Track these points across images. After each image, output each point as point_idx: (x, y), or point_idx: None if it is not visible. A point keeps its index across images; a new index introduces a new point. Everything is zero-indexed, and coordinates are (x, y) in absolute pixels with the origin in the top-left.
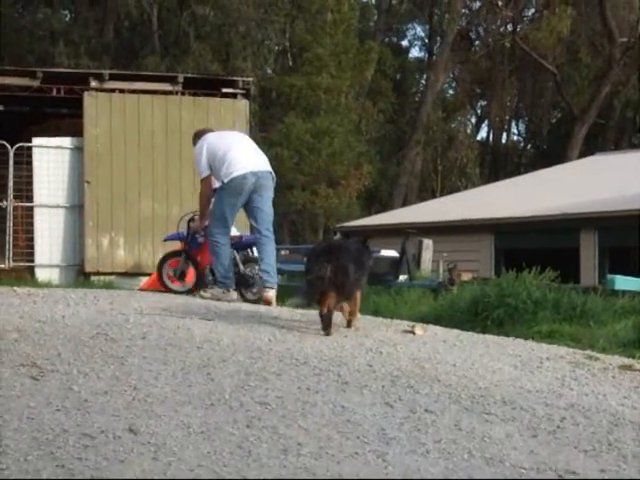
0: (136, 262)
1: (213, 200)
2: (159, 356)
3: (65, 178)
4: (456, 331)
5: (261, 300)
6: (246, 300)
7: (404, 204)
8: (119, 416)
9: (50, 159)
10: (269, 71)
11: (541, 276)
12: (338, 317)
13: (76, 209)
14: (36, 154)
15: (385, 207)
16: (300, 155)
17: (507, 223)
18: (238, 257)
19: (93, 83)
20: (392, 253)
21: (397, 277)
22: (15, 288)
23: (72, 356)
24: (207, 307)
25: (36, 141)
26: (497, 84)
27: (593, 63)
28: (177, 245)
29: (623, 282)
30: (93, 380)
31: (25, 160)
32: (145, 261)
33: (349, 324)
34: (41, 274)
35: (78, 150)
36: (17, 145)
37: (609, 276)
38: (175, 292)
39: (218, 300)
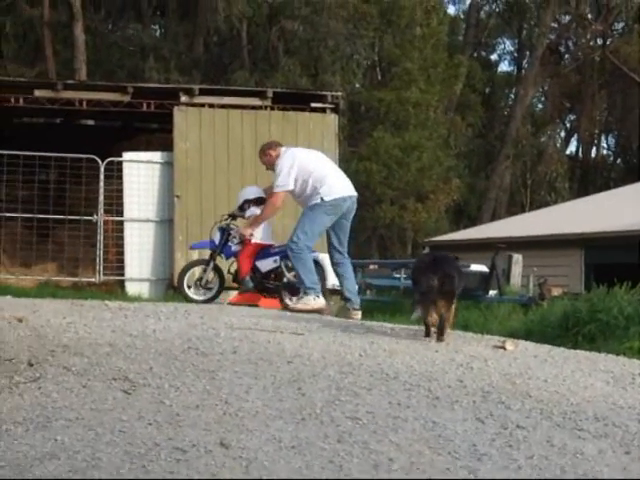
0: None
1: (303, 214)
2: (250, 370)
3: (155, 192)
4: (547, 346)
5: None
6: (287, 307)
7: (493, 218)
8: (210, 430)
9: (140, 173)
10: (358, 85)
11: (632, 291)
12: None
13: (166, 223)
14: (126, 168)
15: (474, 222)
16: (389, 169)
17: (597, 238)
18: (284, 266)
19: (183, 98)
20: (482, 268)
21: (487, 292)
22: (107, 302)
23: (163, 370)
24: (297, 321)
25: (126, 156)
26: (587, 98)
27: None
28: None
29: None
30: (184, 394)
31: (115, 174)
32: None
33: (442, 336)
34: (131, 288)
35: (168, 165)
36: (108, 160)
37: None
38: (197, 302)
39: (311, 308)
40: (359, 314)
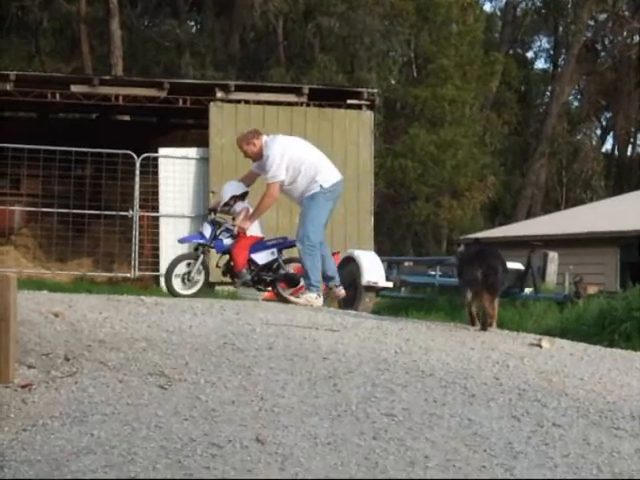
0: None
1: (305, 206)
2: (285, 366)
3: (190, 188)
4: (583, 344)
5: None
6: (283, 298)
7: (528, 216)
8: (246, 426)
9: (176, 169)
10: (393, 82)
11: None
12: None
13: (201, 219)
14: (162, 164)
15: (509, 219)
16: (424, 166)
17: (633, 236)
18: (280, 258)
19: (219, 94)
20: (517, 265)
21: (522, 289)
22: (142, 297)
23: (199, 365)
24: (333, 318)
25: (162, 151)
26: (623, 96)
27: None
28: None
29: None
30: (220, 390)
31: (151, 170)
32: None
33: (486, 326)
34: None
35: (203, 160)
36: (143, 155)
37: None
38: (183, 296)
39: (310, 305)
40: (343, 290)
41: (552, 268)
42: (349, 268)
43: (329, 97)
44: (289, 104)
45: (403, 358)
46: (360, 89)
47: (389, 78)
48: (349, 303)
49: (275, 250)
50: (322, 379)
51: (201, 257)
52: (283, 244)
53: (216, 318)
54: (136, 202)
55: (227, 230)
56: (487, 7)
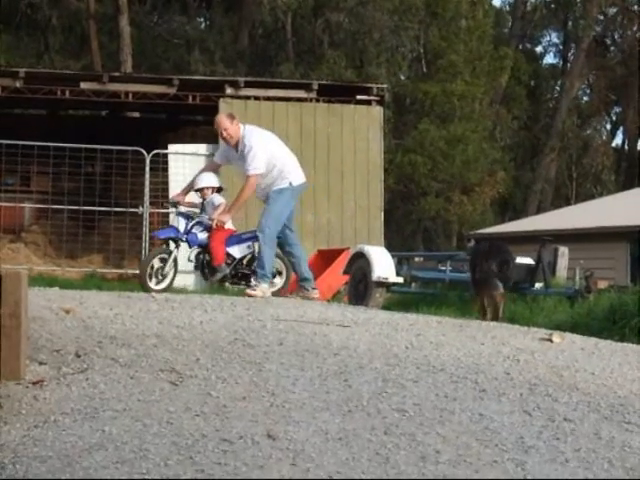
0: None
1: (271, 199)
2: (296, 362)
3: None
4: (594, 339)
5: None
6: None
7: (538, 211)
8: (257, 422)
9: (186, 165)
10: (403, 78)
11: None
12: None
13: None
14: (172, 161)
15: (519, 214)
16: (434, 162)
17: None
18: (256, 251)
19: (228, 90)
20: (528, 260)
21: (533, 284)
22: (154, 294)
23: (210, 361)
24: (343, 314)
25: (172, 148)
26: (632, 90)
27: None
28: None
29: None
30: (231, 385)
31: (161, 167)
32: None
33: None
34: (176, 280)
35: (213, 157)
36: (153, 152)
37: None
38: (156, 292)
39: (262, 296)
40: (317, 294)
41: (562, 263)
42: (359, 264)
43: (338, 93)
44: (298, 100)
45: (414, 353)
46: (369, 85)
47: (398, 73)
48: (359, 299)
49: (251, 243)
50: (333, 375)
51: (174, 252)
52: (257, 237)
53: (227, 314)
54: (146, 199)
55: (200, 223)
56: (496, 2)
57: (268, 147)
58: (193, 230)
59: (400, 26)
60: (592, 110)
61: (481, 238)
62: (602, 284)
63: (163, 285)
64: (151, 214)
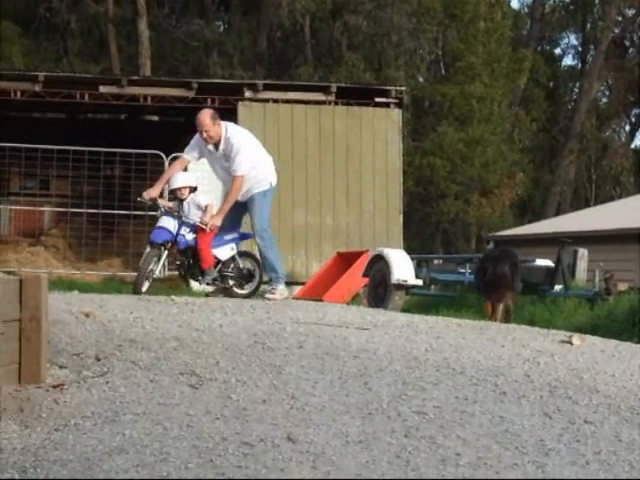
0: (290, 271)
1: (257, 201)
2: (316, 365)
3: (219, 187)
4: (614, 341)
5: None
6: (233, 294)
7: (557, 213)
8: (277, 425)
9: (204, 169)
10: (421, 80)
11: None
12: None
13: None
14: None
15: (538, 216)
16: (453, 164)
17: None
18: (237, 253)
19: (247, 93)
20: (547, 262)
21: (552, 286)
22: (173, 297)
23: (230, 365)
24: (363, 316)
25: None
26: None
27: None
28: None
29: None
30: (251, 389)
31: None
32: (299, 270)
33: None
34: (195, 283)
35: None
36: (172, 155)
37: None
38: (143, 294)
39: (283, 298)
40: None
41: (582, 265)
42: (378, 266)
43: (357, 95)
44: (317, 103)
45: (434, 356)
46: (388, 87)
47: (417, 76)
48: (379, 301)
49: (234, 245)
50: (353, 377)
51: (165, 254)
52: (239, 238)
53: (246, 317)
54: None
55: (185, 224)
56: (515, 4)
57: (250, 148)
58: (181, 231)
59: (418, 28)
60: (611, 111)
61: (500, 240)
62: (622, 286)
63: (147, 286)
64: None
